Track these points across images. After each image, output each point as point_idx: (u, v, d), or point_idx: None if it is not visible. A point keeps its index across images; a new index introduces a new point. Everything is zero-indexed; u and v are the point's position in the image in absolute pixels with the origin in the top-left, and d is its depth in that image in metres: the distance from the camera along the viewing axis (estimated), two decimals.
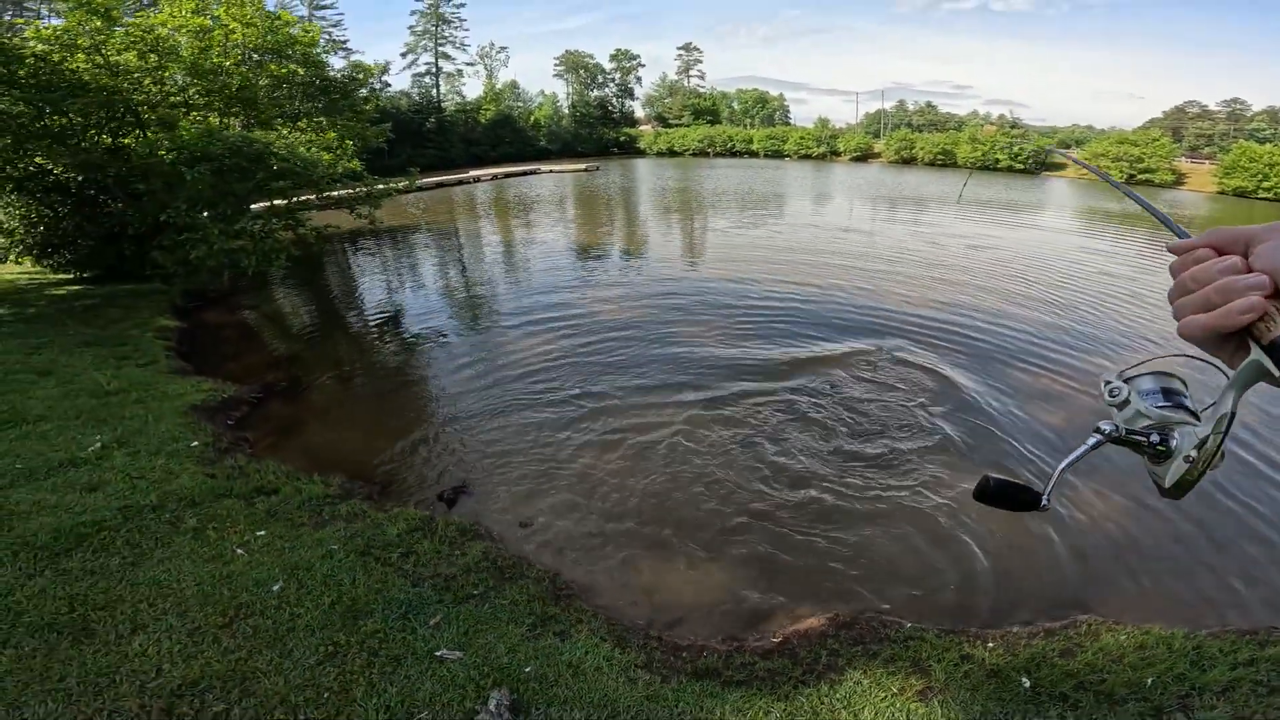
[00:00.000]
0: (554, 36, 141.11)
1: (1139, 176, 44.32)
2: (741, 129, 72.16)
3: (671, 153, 66.28)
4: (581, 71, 73.51)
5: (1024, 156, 49.90)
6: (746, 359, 7.77)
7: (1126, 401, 0.74)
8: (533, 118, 67.32)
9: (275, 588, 3.24)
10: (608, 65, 75.42)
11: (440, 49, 58.82)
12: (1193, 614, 3.78)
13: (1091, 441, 0.72)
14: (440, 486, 5.04)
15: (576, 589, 3.84)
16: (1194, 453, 0.62)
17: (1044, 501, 0.76)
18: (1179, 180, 44.68)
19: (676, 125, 74.49)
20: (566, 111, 72.02)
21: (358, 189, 13.62)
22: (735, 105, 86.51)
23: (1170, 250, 0.58)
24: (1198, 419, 0.67)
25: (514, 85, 70.18)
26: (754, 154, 63.89)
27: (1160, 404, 0.71)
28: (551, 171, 41.79)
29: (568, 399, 6.63)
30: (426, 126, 50.64)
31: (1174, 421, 0.68)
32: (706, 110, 78.75)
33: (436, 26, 58.43)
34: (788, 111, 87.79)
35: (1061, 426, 6.24)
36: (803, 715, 2.76)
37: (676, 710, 2.71)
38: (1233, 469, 5.50)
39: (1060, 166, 50.52)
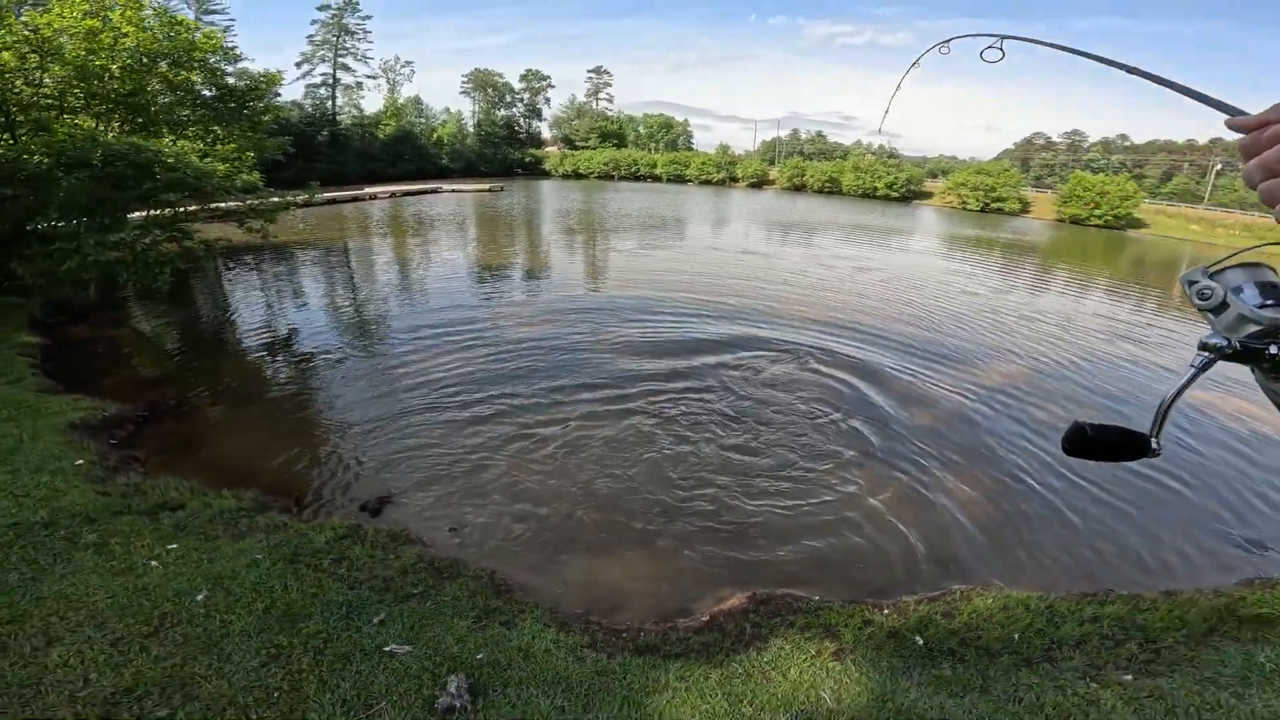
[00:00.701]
0: (467, 54, 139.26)
1: (992, 205, 50.15)
2: (646, 153, 74.30)
3: (577, 175, 66.96)
4: (489, 90, 72.91)
5: (899, 185, 55.13)
6: (655, 368, 8.15)
7: (1224, 304, 0.60)
8: (435, 135, 65.81)
9: (200, 597, 3.13)
10: (517, 85, 75.44)
11: (340, 60, 56.45)
12: (1045, 580, 4.43)
13: (1199, 362, 0.60)
14: (362, 498, 4.98)
15: (515, 584, 3.95)
16: None
17: (1154, 444, 0.64)
18: (1025, 208, 50.92)
19: (583, 147, 75.40)
20: (471, 130, 71.04)
21: (253, 201, 12.85)
22: (641, 129, 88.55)
23: (1236, 128, 0.51)
24: None
25: (417, 101, 68.40)
26: (658, 178, 65.97)
27: (1264, 302, 0.59)
28: (454, 191, 40.95)
29: (481, 408, 6.69)
30: (319, 139, 48.22)
31: None
32: (613, 133, 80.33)
33: (338, 37, 56.08)
34: (691, 137, 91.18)
35: (940, 423, 7.08)
36: (738, 678, 3.03)
37: (625, 681, 2.91)
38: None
39: (928, 195, 56.16)
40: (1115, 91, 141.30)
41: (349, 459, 5.64)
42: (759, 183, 63.40)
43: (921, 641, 3.32)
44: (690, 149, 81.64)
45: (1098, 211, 44.60)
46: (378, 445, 5.89)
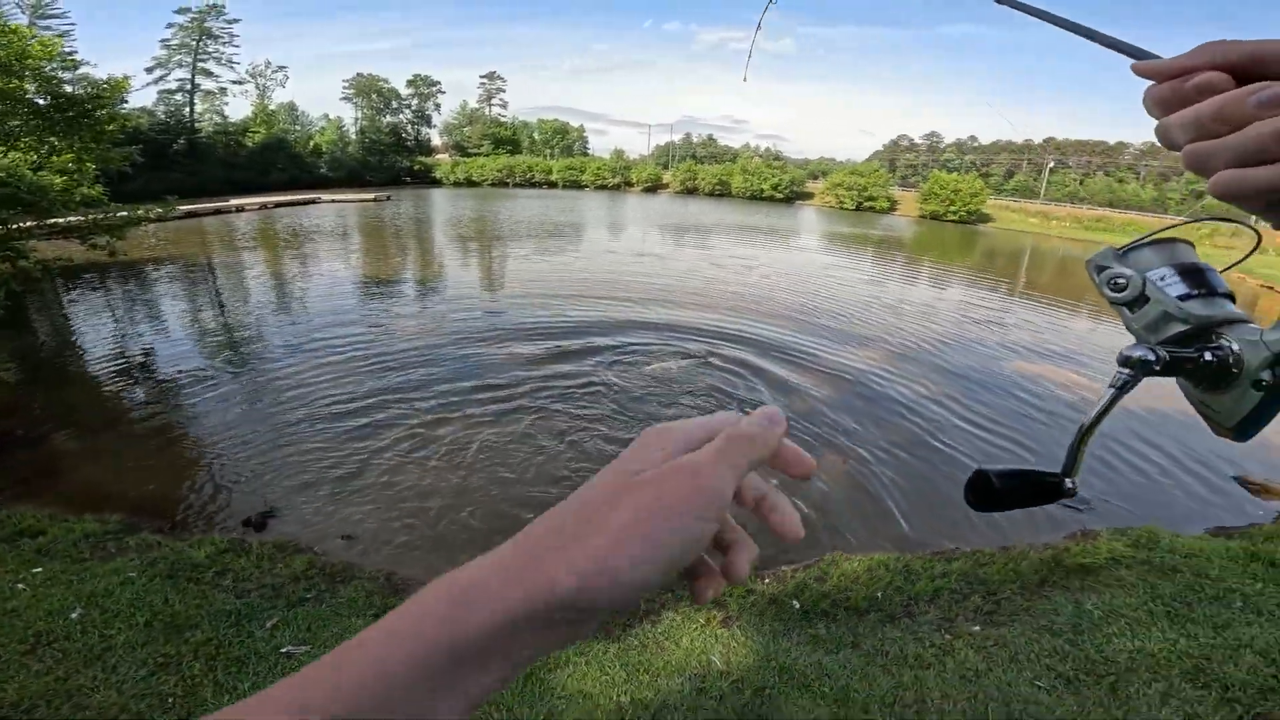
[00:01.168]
0: (349, 59, 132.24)
1: (865, 204, 54.41)
2: (541, 159, 73.78)
3: (470, 182, 65.39)
4: (374, 96, 69.51)
5: (783, 186, 58.52)
6: (546, 369, 8.28)
7: (1143, 297, 0.48)
8: (313, 143, 61.97)
9: (74, 614, 3.04)
10: (405, 90, 72.44)
11: (201, 65, 51.85)
12: (900, 542, 4.94)
13: (1119, 381, 0.45)
14: (244, 513, 4.82)
15: (413, 582, 4.02)
16: (1267, 374, 0.39)
17: (1068, 484, 0.48)
18: (893, 206, 55.65)
19: (476, 154, 73.68)
20: (354, 137, 67.49)
21: (96, 216, 11.65)
22: (536, 135, 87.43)
23: (1145, 73, 0.40)
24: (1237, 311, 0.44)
25: (292, 107, 64.08)
26: (553, 184, 65.81)
27: (1189, 292, 0.46)
28: (334, 201, 38.67)
29: (368, 417, 6.60)
30: (174, 148, 44.08)
31: (1218, 319, 0.44)
32: (507, 140, 78.90)
33: (199, 40, 51.47)
34: (586, 142, 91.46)
35: (820, 402, 7.77)
36: (634, 649, 3.25)
37: None
38: (946, 423, 7.35)
39: (809, 195, 60.01)
40: (967, 92, 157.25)
41: (226, 477, 5.42)
42: (653, 187, 64.91)
43: (798, 605, 3.62)
44: (586, 154, 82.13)
45: (953, 208, 49.54)
46: (257, 461, 5.69)
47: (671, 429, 0.37)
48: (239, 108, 66.44)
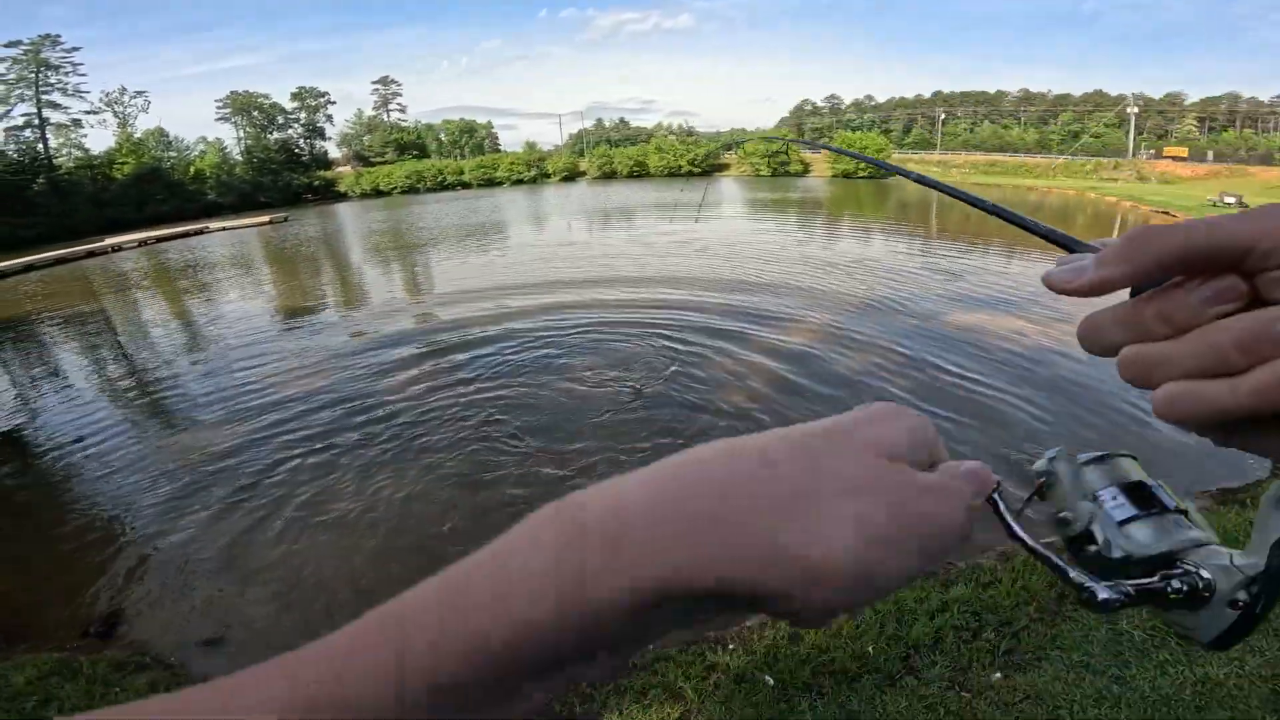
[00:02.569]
0: (214, 77, 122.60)
1: (780, 170, 55.21)
2: (452, 160, 71.26)
3: (378, 193, 62.33)
4: (255, 113, 64.93)
5: (700, 160, 58.59)
6: (469, 390, 7.45)
7: (1088, 535, 0.40)
8: (193, 168, 57.26)
9: None
10: (289, 104, 68.01)
11: (45, 98, 46.84)
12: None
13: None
14: (86, 619, 3.94)
15: None
16: (1243, 594, 0.36)
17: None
18: (807, 169, 56.76)
19: (380, 163, 70.44)
20: (240, 158, 62.84)
21: None
22: (443, 137, 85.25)
23: (1066, 290, 0.31)
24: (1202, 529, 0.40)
25: (161, 133, 58.92)
26: (467, 185, 63.60)
27: (1134, 514, 0.40)
28: (225, 229, 35.73)
29: (243, 479, 5.59)
30: (34, 189, 39.59)
31: (1182, 545, 0.39)
32: (412, 144, 76.01)
33: (38, 73, 46.42)
34: (497, 139, 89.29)
35: (773, 384, 7.29)
36: None
37: None
38: (894, 399, 7.03)
39: (726, 166, 60.35)
40: (857, 55, 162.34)
41: (75, 569, 4.43)
42: (571, 175, 63.73)
43: (772, 681, 2.89)
44: (499, 151, 79.90)
45: (861, 165, 50.98)
46: (113, 547, 4.69)
47: (884, 433, 0.30)
48: (101, 139, 60.87)
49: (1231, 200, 25.68)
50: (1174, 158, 49.01)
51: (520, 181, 62.59)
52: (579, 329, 9.47)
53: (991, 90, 79.44)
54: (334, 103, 72.33)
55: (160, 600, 4.11)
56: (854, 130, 62.62)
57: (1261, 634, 2.17)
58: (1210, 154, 47.15)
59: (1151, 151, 53.67)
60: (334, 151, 75.83)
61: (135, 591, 4.20)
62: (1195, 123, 68.32)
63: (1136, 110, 58.40)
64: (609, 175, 61.39)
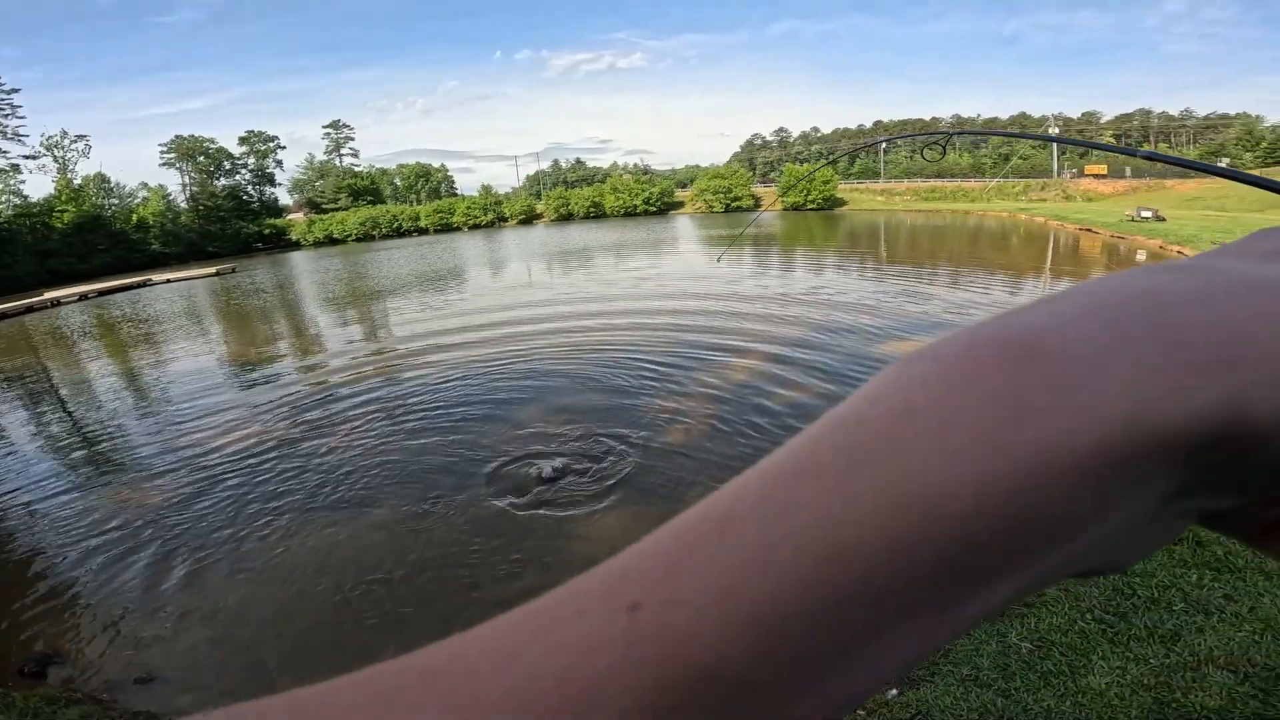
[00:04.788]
0: (162, 121, 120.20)
1: (733, 205, 56.73)
2: (407, 206, 70.92)
3: (332, 241, 61.43)
4: (201, 158, 63.72)
5: (655, 199, 59.80)
6: (430, 450, 7.38)
7: None
8: (135, 217, 55.55)
9: None
10: (237, 149, 67.00)
11: None
12: None
13: None
14: (19, 658, 3.95)
15: None
16: None
17: None
18: (758, 204, 58.41)
19: (333, 210, 69.58)
20: (185, 206, 61.37)
21: None
22: (398, 181, 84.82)
23: None
24: None
25: (102, 179, 57.16)
26: (424, 230, 63.31)
27: None
28: (170, 281, 34.58)
29: (189, 533, 5.45)
30: None
31: None
32: (366, 190, 75.28)
33: None
34: (453, 183, 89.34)
35: (742, 387, 7.38)
36: None
37: None
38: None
39: (680, 204, 61.73)
40: (804, 88, 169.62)
41: (4, 613, 4.43)
42: (529, 218, 64.18)
43: None
44: (455, 195, 79.95)
45: (810, 196, 52.87)
46: (45, 592, 4.65)
47: None
48: (40, 185, 58.76)
49: (1148, 214, 26.60)
50: (1095, 175, 51.90)
51: (478, 226, 62.65)
52: (524, 380, 9.48)
53: (927, 117, 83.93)
54: (284, 147, 71.73)
55: (94, 641, 4.11)
56: (801, 163, 64.89)
57: (1145, 641, 2.26)
58: (1128, 170, 50.54)
59: (1074, 170, 56.71)
60: (285, 198, 74.92)
61: (69, 633, 4.21)
62: (1113, 139, 73.38)
63: (1058, 130, 62.26)
64: (565, 217, 62.01)
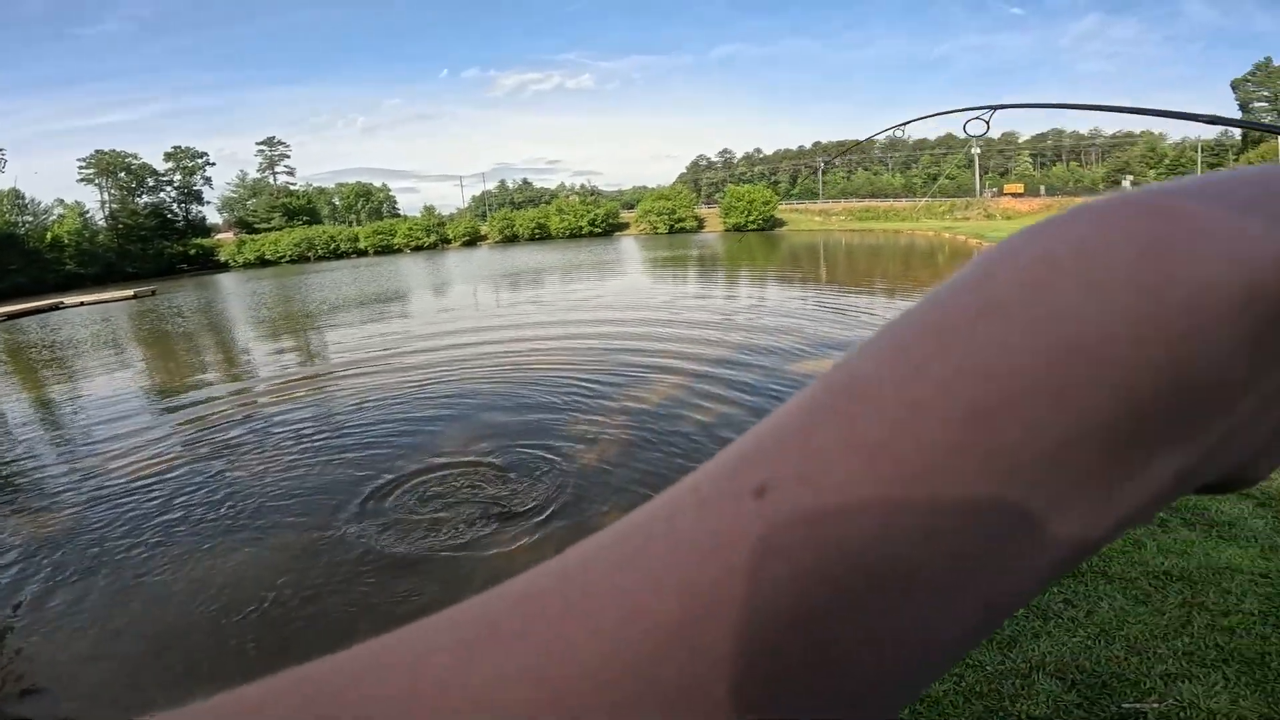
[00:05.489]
0: (84, 134, 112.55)
1: (676, 226, 57.54)
2: (346, 227, 68.95)
3: (264, 262, 58.92)
4: (122, 174, 60.32)
5: (600, 220, 60.13)
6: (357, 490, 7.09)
7: None
8: (50, 235, 52.02)
9: None
10: (162, 165, 63.79)
11: None
12: None
13: None
14: None
15: None
16: None
17: None
18: (701, 224, 59.49)
19: (265, 229, 66.93)
20: (104, 224, 57.87)
21: None
22: (337, 201, 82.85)
23: None
24: None
25: (15, 194, 53.35)
26: (363, 252, 61.53)
27: None
28: (83, 304, 32.48)
29: (84, 556, 5.08)
30: None
31: None
32: (302, 210, 72.90)
33: None
34: (395, 203, 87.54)
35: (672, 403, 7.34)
36: None
37: None
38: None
39: (625, 226, 62.23)
40: (747, 106, 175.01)
41: None
42: (472, 240, 63.31)
43: None
44: (397, 215, 78.23)
45: (751, 217, 54.21)
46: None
47: None
48: None
49: None
50: (1013, 194, 55.58)
51: (420, 248, 61.33)
52: (447, 401, 9.28)
53: (862, 138, 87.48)
54: (213, 164, 68.74)
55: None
56: (744, 183, 66.66)
57: (983, 647, 2.31)
58: (1043, 189, 53.86)
59: (995, 190, 60.35)
60: (215, 217, 71.70)
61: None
62: (1030, 159, 78.12)
63: (979, 150, 66.06)
64: (510, 239, 61.52)
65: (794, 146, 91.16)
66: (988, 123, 1.93)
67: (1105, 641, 2.26)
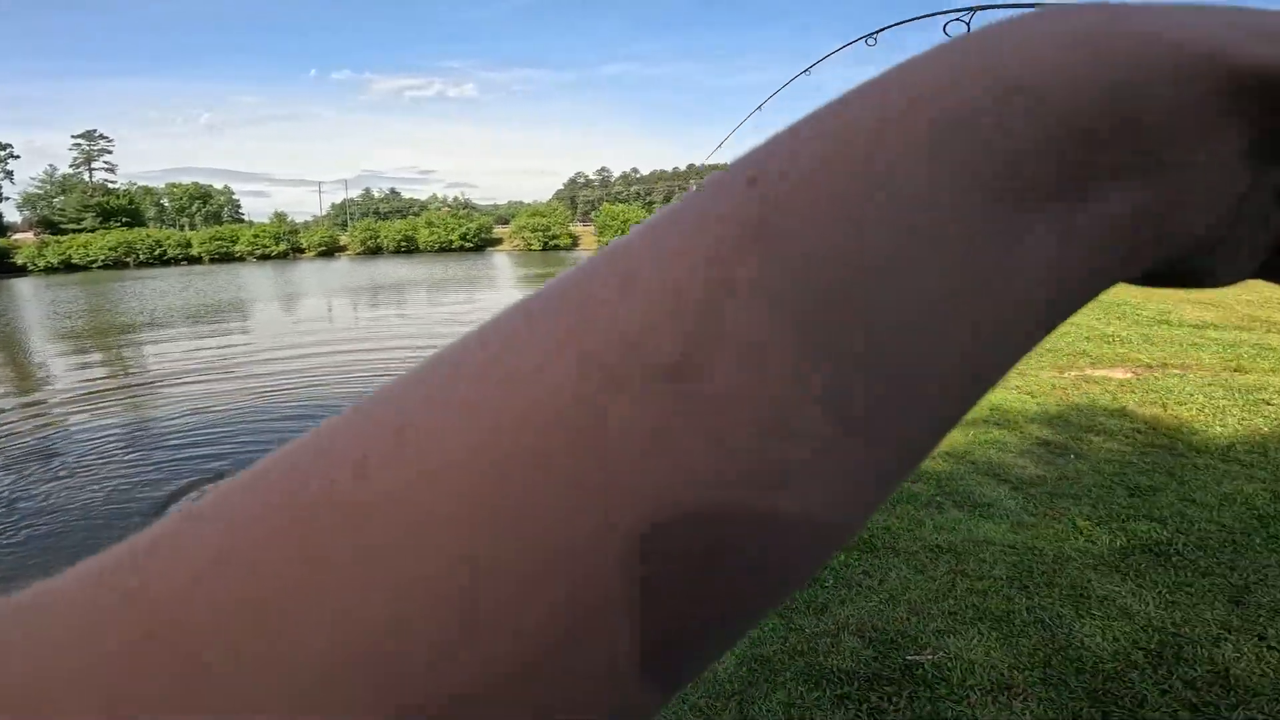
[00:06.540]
0: None
1: (550, 243, 57.45)
2: (175, 231, 61.36)
3: (71, 266, 50.82)
4: None
5: (472, 235, 58.60)
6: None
7: None
8: None
9: None
10: None
11: None
12: None
13: None
14: None
15: None
16: None
17: None
18: (575, 243, 59.87)
19: (74, 230, 57.84)
20: None
21: None
22: (167, 202, 74.45)
23: None
24: None
25: None
26: (196, 259, 54.98)
27: None
28: None
29: None
30: None
31: None
32: (121, 210, 64.09)
33: None
34: (239, 207, 79.73)
35: None
36: None
37: None
38: None
39: (498, 241, 61.18)
40: (626, 130, 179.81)
41: None
42: (330, 250, 58.86)
43: None
44: (240, 220, 70.92)
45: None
46: None
47: None
48: None
49: None
50: None
51: (267, 256, 55.87)
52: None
53: (727, 163, 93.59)
54: (17, 156, 58.59)
55: None
56: (620, 202, 68.36)
57: (803, 614, 2.63)
58: None
59: None
60: (13, 215, 60.77)
61: None
62: None
63: None
64: (374, 250, 58.00)
65: (669, 168, 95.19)
66: (968, 24, 1.84)
67: (893, 605, 2.65)
